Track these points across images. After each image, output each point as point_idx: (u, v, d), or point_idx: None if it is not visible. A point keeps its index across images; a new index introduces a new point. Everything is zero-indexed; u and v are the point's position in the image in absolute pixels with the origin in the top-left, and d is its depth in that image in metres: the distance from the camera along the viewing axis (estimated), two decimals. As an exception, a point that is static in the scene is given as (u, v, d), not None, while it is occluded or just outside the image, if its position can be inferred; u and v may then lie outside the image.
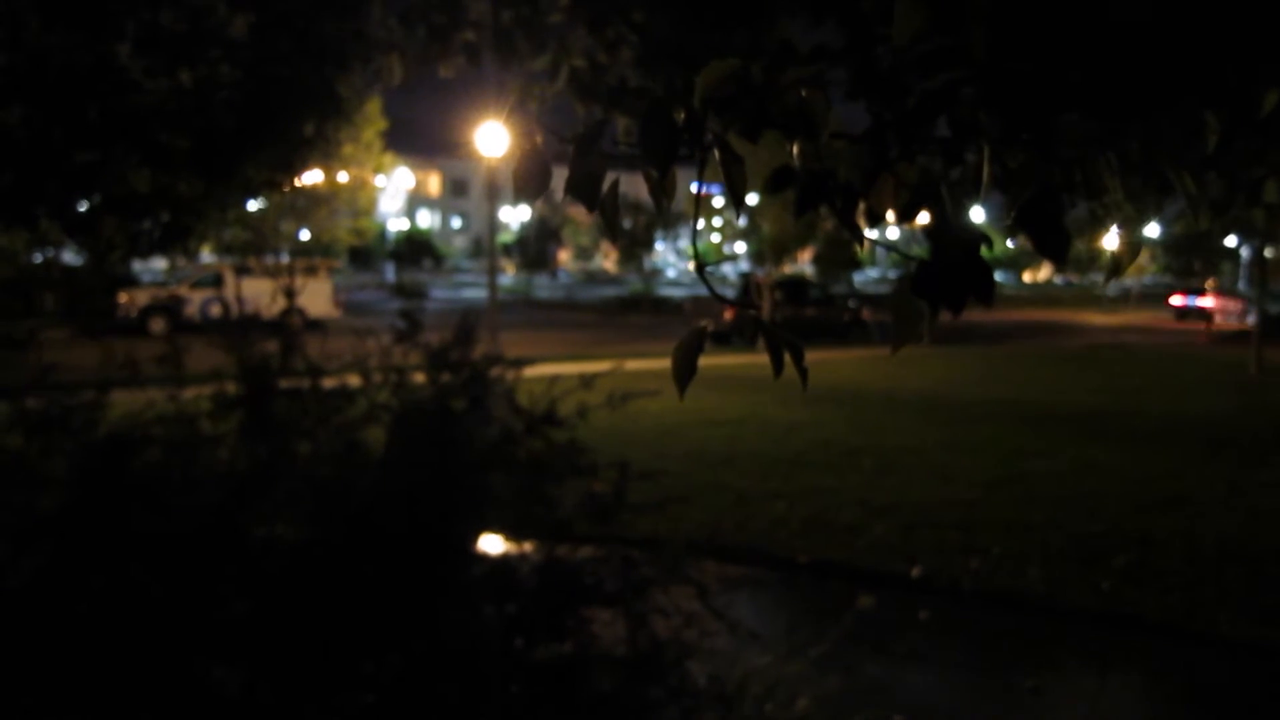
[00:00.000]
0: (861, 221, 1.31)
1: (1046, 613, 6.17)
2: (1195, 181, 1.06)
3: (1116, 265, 1.19)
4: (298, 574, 3.09)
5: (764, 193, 1.62)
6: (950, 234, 0.99)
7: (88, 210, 4.91)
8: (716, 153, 1.05)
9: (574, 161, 1.04)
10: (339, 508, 3.19)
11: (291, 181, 7.09)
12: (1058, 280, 71.67)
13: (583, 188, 1.05)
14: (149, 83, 4.65)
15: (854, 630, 5.02)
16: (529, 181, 1.06)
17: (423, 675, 3.08)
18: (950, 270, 0.97)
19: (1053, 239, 1.03)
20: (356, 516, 3.21)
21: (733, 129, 1.02)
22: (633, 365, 6.39)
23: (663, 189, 1.07)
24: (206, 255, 38.00)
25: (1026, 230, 1.04)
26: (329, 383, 3.68)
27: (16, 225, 5.03)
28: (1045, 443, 11.51)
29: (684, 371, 1.12)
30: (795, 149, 1.07)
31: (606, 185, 1.07)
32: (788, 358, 1.11)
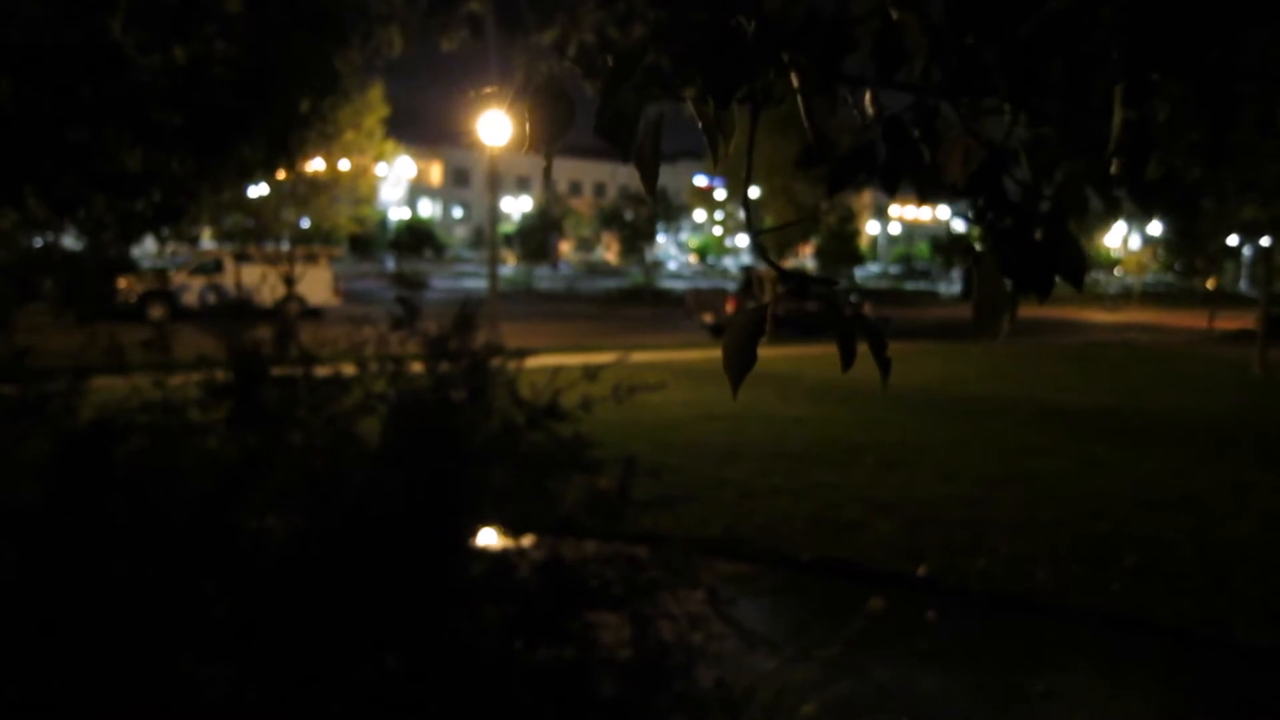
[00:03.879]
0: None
1: (1056, 614, 6.04)
2: None
3: None
4: (288, 570, 2.96)
5: (796, 167, 1.47)
6: (1029, 206, 0.85)
7: (77, 189, 4.76)
8: (793, 91, 0.89)
9: (603, 97, 0.88)
10: (332, 501, 3.06)
11: (288, 162, 6.93)
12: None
13: (614, 129, 0.89)
14: (142, 59, 4.50)
15: (861, 631, 4.90)
16: (548, 125, 0.90)
17: (418, 677, 2.95)
18: (1036, 248, 0.83)
19: (1187, 211, 0.88)
20: (350, 510, 3.08)
21: (805, 63, 0.87)
22: (634, 357, 6.26)
23: (720, 128, 0.92)
24: (207, 241, 37.90)
25: (1158, 203, 0.89)
26: (325, 371, 3.55)
27: (4, 204, 4.88)
28: (1050, 440, 11.37)
29: (740, 362, 0.94)
30: (868, 97, 0.92)
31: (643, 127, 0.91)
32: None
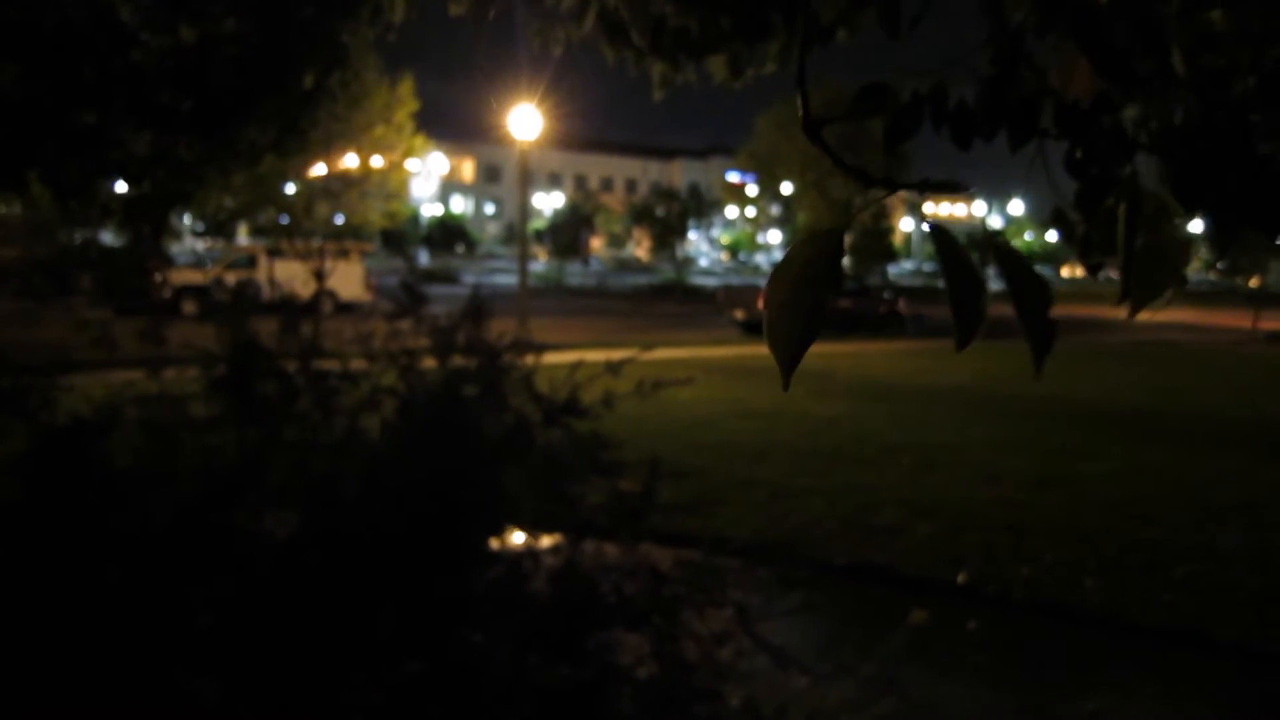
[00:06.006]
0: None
1: (1105, 626, 5.73)
2: None
3: None
4: (285, 576, 2.75)
5: (848, 118, 1.21)
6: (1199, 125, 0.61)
7: (83, 174, 4.61)
8: None
9: None
10: (332, 503, 2.85)
11: (300, 145, 6.77)
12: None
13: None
14: (149, 39, 4.33)
15: (900, 645, 4.64)
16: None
17: (421, 693, 2.74)
18: (1213, 169, 0.58)
19: None
20: (353, 513, 2.87)
21: None
22: (664, 354, 6.03)
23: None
24: (243, 237, 38.32)
25: None
26: (333, 365, 3.35)
27: (7, 189, 4.75)
28: (1094, 442, 11.00)
29: (801, 325, 0.66)
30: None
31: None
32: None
